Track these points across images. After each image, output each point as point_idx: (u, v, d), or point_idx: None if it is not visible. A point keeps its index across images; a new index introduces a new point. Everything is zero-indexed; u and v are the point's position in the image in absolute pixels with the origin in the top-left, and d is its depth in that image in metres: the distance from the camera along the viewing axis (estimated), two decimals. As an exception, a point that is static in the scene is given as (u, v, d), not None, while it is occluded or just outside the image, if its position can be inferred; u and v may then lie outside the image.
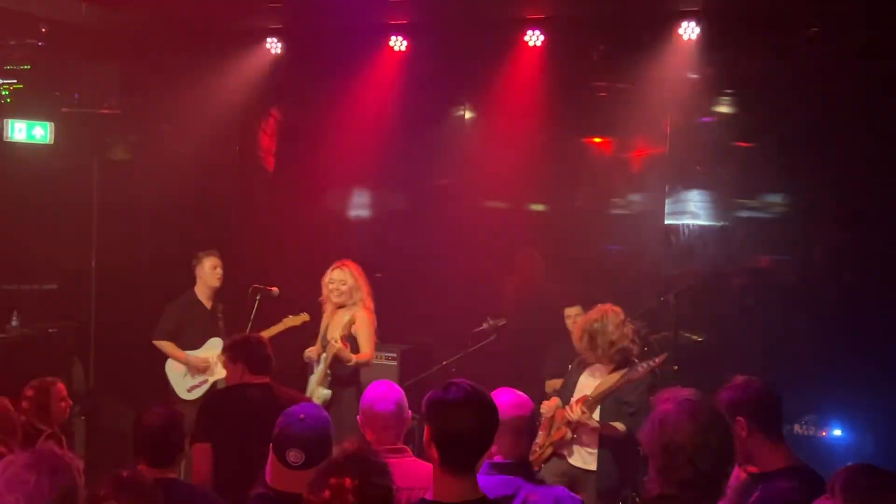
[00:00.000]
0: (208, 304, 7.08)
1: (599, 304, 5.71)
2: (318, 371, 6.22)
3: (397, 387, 3.85)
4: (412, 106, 8.14)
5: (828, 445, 6.63)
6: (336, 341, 6.03)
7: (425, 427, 2.77)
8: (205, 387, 6.97)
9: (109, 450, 7.30)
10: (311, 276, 6.60)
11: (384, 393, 3.78)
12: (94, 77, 8.05)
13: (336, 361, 6.14)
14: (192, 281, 7.21)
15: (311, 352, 6.49)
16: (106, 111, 8.05)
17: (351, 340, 6.22)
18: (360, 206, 9.05)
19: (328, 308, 6.40)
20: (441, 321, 7.91)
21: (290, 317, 6.73)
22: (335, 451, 2.71)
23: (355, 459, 2.56)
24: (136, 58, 8.01)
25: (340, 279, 6.30)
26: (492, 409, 2.79)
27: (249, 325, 6.64)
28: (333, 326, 6.29)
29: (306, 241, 7.85)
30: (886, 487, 2.73)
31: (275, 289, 6.82)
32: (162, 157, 8.22)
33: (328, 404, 6.08)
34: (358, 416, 3.80)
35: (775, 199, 7.68)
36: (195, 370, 6.97)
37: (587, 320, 5.64)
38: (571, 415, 5.48)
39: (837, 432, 6.74)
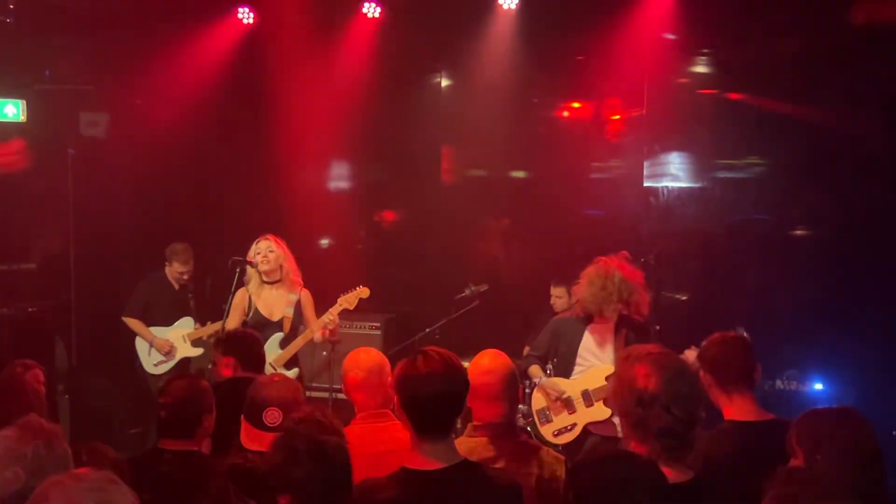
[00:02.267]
0: (176, 285, 7.30)
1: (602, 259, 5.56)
2: (281, 353, 6.17)
3: (378, 352, 3.86)
4: (387, 74, 8.02)
5: (809, 399, 6.64)
6: (326, 329, 6.11)
7: (395, 396, 2.87)
8: (171, 363, 7.21)
9: (94, 427, 7.36)
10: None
11: (364, 359, 3.78)
12: (66, 53, 7.94)
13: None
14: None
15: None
16: (79, 87, 8.00)
17: (296, 320, 6.26)
18: (336, 177, 8.98)
19: (253, 284, 6.26)
20: (423, 289, 7.94)
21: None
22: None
23: (306, 422, 2.70)
24: (108, 32, 7.84)
25: (268, 249, 6.22)
26: (459, 374, 2.85)
27: (230, 299, 6.46)
28: (266, 305, 6.21)
29: (283, 213, 7.78)
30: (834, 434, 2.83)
31: (254, 260, 6.61)
32: (137, 132, 8.15)
33: None
34: (342, 384, 3.83)
35: (754, 158, 7.65)
36: (159, 350, 7.21)
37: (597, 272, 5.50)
38: None
39: (818, 386, 6.80)
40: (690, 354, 5.04)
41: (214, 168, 8.47)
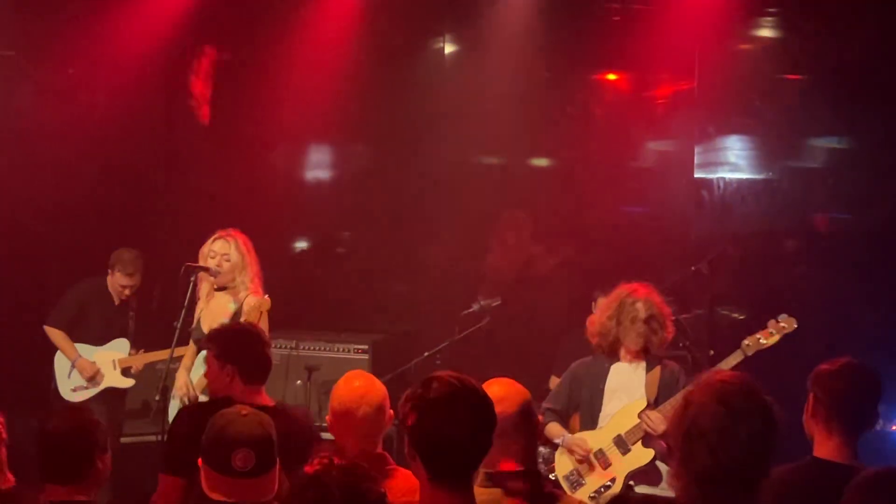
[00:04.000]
0: (117, 299, 6.97)
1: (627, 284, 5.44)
2: (199, 373, 5.57)
3: (376, 380, 3.65)
4: (379, 39, 7.66)
5: (899, 444, 6.41)
6: None
7: (406, 434, 2.72)
8: (93, 391, 6.84)
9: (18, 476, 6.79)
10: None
11: (364, 390, 3.53)
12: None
13: None
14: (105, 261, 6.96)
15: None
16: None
17: None
18: (316, 164, 8.61)
19: (203, 289, 5.79)
20: (421, 304, 7.70)
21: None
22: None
23: (338, 469, 2.53)
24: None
25: (223, 252, 5.67)
26: (486, 404, 2.72)
27: (183, 312, 5.99)
28: (210, 315, 5.69)
29: (250, 208, 7.29)
30: None
31: (213, 267, 6.24)
32: (69, 108, 7.63)
33: None
34: (328, 417, 3.63)
35: (831, 143, 7.38)
36: (81, 372, 6.82)
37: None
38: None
39: (911, 426, 6.59)
40: None
41: (164, 153, 8.07)
